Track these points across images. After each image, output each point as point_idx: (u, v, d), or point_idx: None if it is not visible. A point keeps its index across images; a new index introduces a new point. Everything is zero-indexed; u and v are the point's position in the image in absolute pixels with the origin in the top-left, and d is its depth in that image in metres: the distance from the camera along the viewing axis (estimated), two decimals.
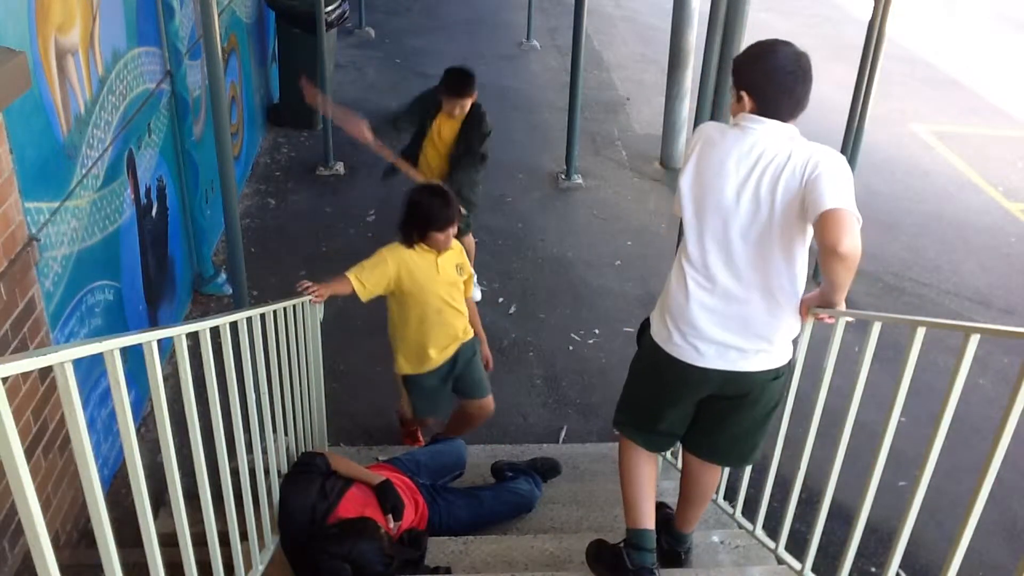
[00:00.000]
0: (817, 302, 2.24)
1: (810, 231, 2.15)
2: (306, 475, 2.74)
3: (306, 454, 2.92)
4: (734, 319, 2.23)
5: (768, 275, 2.20)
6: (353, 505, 2.70)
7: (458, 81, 4.36)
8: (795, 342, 2.38)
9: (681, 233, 2.33)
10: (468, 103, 4.41)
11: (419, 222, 3.23)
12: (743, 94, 2.22)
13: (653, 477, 2.53)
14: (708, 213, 2.21)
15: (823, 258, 2.04)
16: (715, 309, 2.24)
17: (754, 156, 2.16)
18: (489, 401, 3.61)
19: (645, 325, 2.48)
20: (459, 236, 4.77)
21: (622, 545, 2.48)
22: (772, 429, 2.52)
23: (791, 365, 2.40)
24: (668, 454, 3.69)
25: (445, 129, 4.53)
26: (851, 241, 1.97)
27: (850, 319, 2.34)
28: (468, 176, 4.55)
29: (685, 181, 2.28)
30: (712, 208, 2.20)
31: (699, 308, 2.25)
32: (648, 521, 2.46)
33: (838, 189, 2.03)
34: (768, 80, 2.18)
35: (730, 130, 2.23)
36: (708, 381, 2.30)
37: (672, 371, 2.32)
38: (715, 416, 2.40)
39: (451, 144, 4.55)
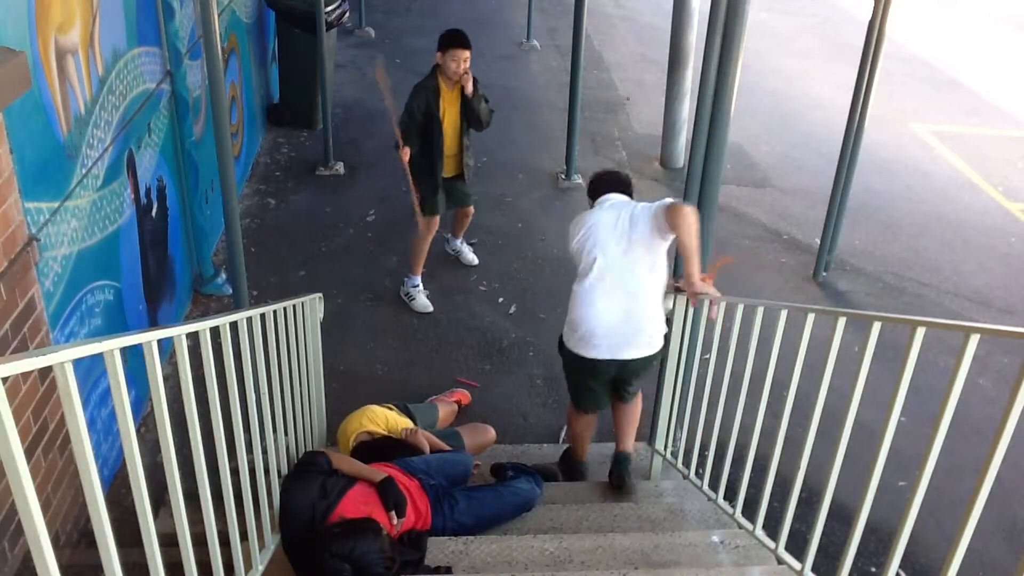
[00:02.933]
0: (692, 280, 3.09)
1: (663, 251, 3.23)
2: (307, 474, 2.74)
3: (308, 453, 2.91)
4: (616, 325, 3.24)
5: (639, 288, 3.22)
6: (354, 504, 2.69)
7: (455, 33, 4.67)
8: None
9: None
10: (468, 56, 4.65)
11: None
12: (589, 199, 3.48)
13: (591, 431, 3.70)
14: (594, 256, 3.23)
15: (673, 224, 3.08)
16: (601, 320, 3.24)
17: (617, 210, 3.28)
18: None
19: (560, 340, 3.46)
20: (462, 206, 5.22)
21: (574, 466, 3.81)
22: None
23: (667, 343, 3.44)
24: (668, 455, 3.71)
25: (450, 108, 4.77)
26: (687, 208, 3.08)
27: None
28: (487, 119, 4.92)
29: (577, 242, 3.30)
30: (596, 252, 3.23)
31: (591, 319, 3.25)
32: (584, 456, 3.78)
33: (670, 199, 3.21)
34: (607, 184, 3.46)
35: (596, 208, 3.37)
36: (607, 368, 3.33)
37: (582, 365, 3.36)
38: (622, 381, 3.48)
39: (458, 119, 4.83)
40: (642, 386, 3.59)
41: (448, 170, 4.96)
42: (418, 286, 5.27)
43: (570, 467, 3.80)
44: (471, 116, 4.82)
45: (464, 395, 4.39)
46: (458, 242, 5.70)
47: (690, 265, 3.09)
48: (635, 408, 3.62)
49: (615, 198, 3.38)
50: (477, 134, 5.05)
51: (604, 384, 3.46)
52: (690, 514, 3.30)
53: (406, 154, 4.75)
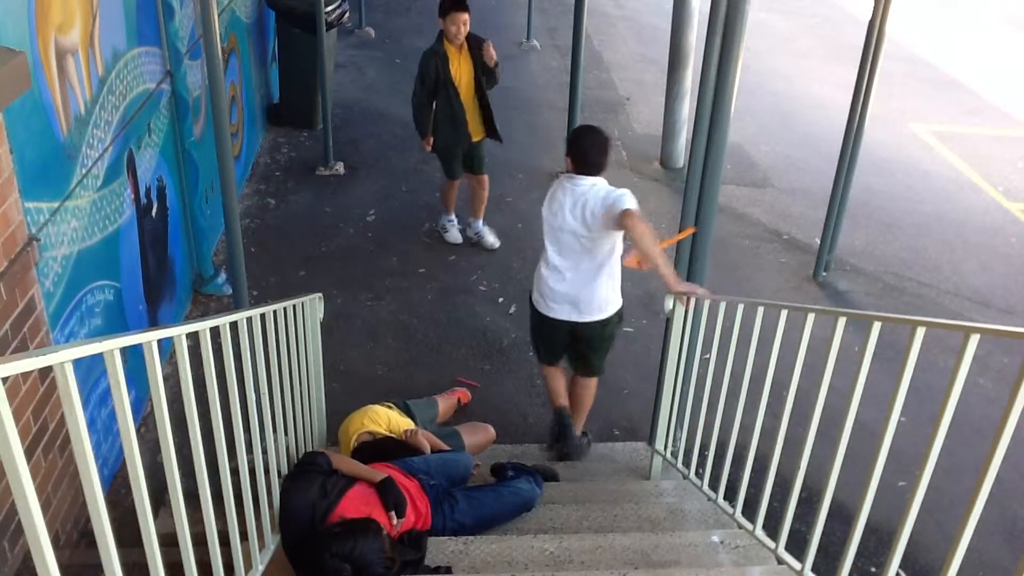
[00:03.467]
0: (669, 282, 3.35)
1: (617, 240, 3.58)
2: (307, 474, 2.74)
3: (308, 454, 2.91)
4: (570, 291, 3.66)
5: (590, 266, 3.60)
6: (354, 504, 2.69)
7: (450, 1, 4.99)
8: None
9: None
10: (466, 18, 4.99)
11: None
12: (568, 158, 3.63)
13: (563, 379, 4.03)
14: (555, 230, 3.64)
15: (630, 235, 3.34)
16: (558, 286, 3.67)
17: (578, 198, 3.54)
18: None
19: (531, 299, 3.89)
20: (474, 172, 5.51)
21: (555, 416, 4.02)
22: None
23: (620, 312, 3.76)
24: (668, 455, 3.71)
25: (463, 71, 5.05)
26: (637, 219, 3.32)
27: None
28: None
29: (545, 213, 3.69)
30: (557, 228, 3.62)
31: (550, 284, 3.69)
32: (563, 401, 4.00)
33: (627, 202, 3.41)
34: (582, 153, 3.58)
35: (566, 184, 3.60)
36: (561, 325, 3.76)
37: (544, 321, 3.80)
38: (576, 346, 3.86)
39: (472, 80, 5.12)
40: (602, 366, 3.92)
41: (475, 133, 5.24)
42: (452, 220, 5.73)
43: (555, 424, 4.00)
44: (488, 73, 5.08)
45: (464, 394, 4.39)
46: (479, 224, 5.80)
47: (662, 271, 3.32)
48: (588, 391, 4.02)
49: (583, 184, 3.57)
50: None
51: (561, 341, 3.86)
52: (690, 514, 3.30)
53: (429, 143, 5.20)
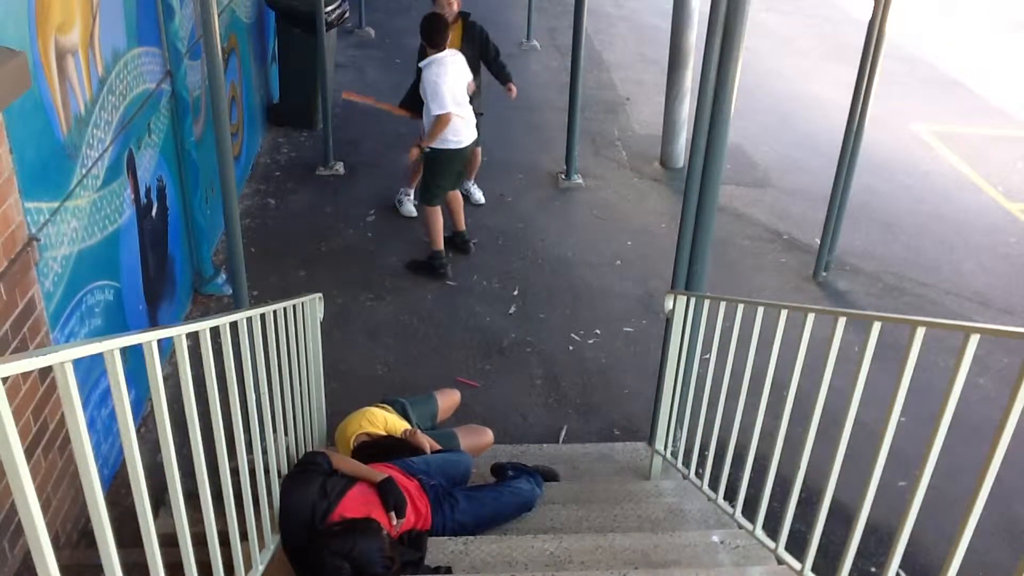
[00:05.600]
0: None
1: (429, 101, 5.18)
2: (307, 474, 2.74)
3: (308, 453, 2.91)
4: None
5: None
6: (354, 504, 2.69)
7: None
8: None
9: None
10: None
11: None
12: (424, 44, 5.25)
13: (441, 222, 5.53)
14: None
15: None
16: None
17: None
18: None
19: None
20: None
21: (431, 258, 5.62)
22: None
23: (429, 153, 5.31)
24: (668, 455, 3.70)
25: (450, 43, 5.42)
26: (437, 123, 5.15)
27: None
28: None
29: None
30: None
31: None
32: (442, 245, 5.52)
33: (434, 108, 5.12)
34: (428, 35, 5.16)
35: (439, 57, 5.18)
36: None
37: None
38: None
39: (457, 50, 5.47)
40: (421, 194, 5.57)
41: None
42: (410, 196, 6.28)
43: (427, 266, 5.53)
44: (489, 63, 5.92)
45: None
46: (470, 183, 6.44)
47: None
48: (455, 200, 5.67)
49: (439, 53, 5.16)
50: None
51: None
52: (690, 514, 3.30)
53: (401, 111, 5.92)
